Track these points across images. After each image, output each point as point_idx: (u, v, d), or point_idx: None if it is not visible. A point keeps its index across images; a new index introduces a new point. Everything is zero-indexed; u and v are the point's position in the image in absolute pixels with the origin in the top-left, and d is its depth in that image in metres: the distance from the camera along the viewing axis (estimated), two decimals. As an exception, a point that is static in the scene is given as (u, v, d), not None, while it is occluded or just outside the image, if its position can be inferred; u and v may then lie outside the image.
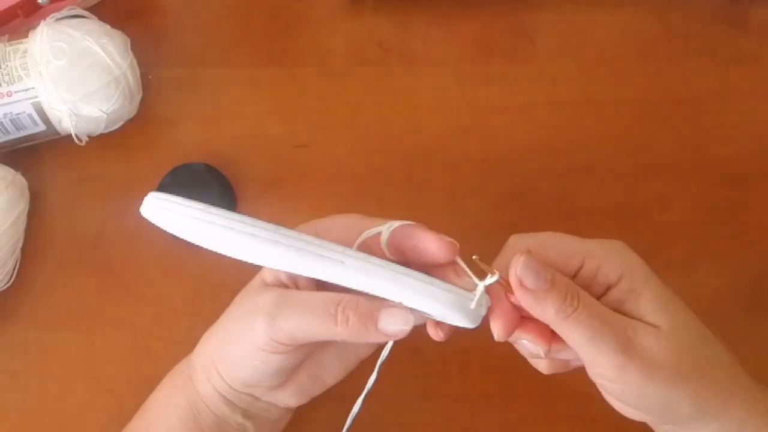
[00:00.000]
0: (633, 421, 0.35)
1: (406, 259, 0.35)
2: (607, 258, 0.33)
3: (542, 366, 0.37)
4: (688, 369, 0.32)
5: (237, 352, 0.36)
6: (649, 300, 0.32)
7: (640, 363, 0.31)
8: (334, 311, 0.33)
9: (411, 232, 0.34)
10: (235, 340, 0.36)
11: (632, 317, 0.32)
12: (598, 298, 0.33)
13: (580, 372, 0.35)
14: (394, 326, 0.33)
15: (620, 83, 0.56)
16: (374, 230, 0.34)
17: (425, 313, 0.33)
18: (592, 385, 0.35)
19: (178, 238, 0.35)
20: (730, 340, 0.48)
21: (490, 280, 0.32)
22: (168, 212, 0.35)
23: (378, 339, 0.33)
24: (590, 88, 0.56)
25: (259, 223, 0.33)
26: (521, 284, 0.31)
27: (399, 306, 0.33)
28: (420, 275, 0.33)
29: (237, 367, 0.36)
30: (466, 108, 0.55)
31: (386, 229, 0.34)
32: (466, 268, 0.34)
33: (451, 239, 0.34)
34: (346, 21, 0.58)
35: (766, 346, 0.49)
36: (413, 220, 0.51)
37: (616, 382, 0.32)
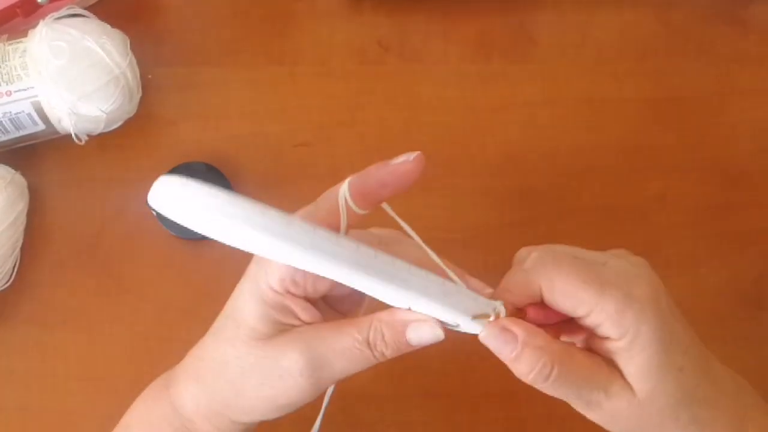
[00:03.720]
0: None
1: (376, 201, 0.33)
2: (615, 318, 0.31)
3: None
4: (647, 428, 0.33)
5: (268, 407, 0.34)
6: (637, 366, 0.32)
7: (600, 416, 0.33)
8: (370, 351, 0.33)
9: (370, 174, 0.33)
10: (263, 401, 0.34)
11: (620, 369, 0.33)
12: (597, 339, 0.33)
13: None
14: (426, 337, 0.32)
15: (620, 83, 0.56)
16: (335, 192, 0.33)
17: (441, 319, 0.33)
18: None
19: (185, 231, 0.33)
20: (730, 340, 0.48)
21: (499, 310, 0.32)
22: (196, 207, 0.29)
23: (411, 350, 0.33)
24: (590, 88, 0.56)
25: (320, 232, 0.30)
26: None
27: (420, 319, 0.33)
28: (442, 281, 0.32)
29: (259, 411, 0.35)
30: (466, 108, 0.55)
31: (345, 186, 0.32)
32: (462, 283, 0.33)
33: (407, 156, 0.33)
34: (345, 20, 0.58)
35: (766, 346, 0.49)
36: (413, 220, 0.51)
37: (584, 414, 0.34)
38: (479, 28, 0.57)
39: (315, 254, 0.30)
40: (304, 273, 0.32)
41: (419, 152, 0.32)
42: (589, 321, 0.32)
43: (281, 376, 0.33)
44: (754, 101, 0.55)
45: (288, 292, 0.33)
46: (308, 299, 0.34)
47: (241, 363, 0.34)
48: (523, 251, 0.35)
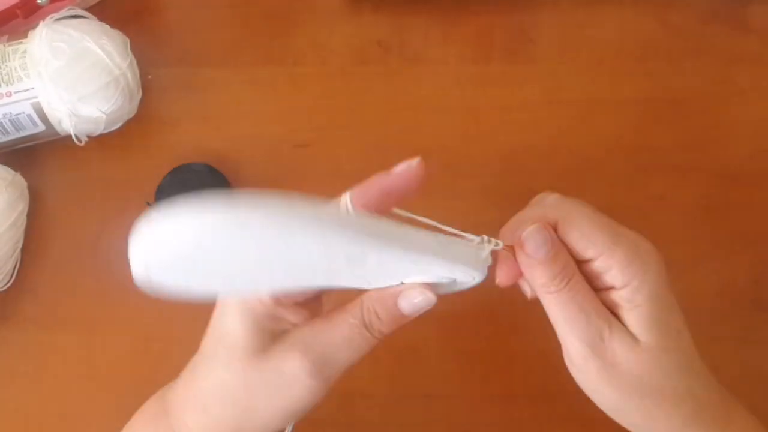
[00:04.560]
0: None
1: (378, 212, 0.33)
2: (624, 264, 0.32)
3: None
4: (646, 390, 0.32)
5: (283, 416, 0.34)
6: (641, 315, 0.32)
7: (601, 363, 0.32)
8: (369, 333, 0.33)
9: (372, 183, 0.33)
10: (272, 411, 0.34)
11: (621, 321, 0.33)
12: (598, 291, 0.33)
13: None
14: (417, 303, 0.32)
15: (620, 83, 0.56)
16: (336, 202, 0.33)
17: (432, 279, 0.33)
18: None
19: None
20: (730, 340, 0.48)
21: (491, 245, 0.33)
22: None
23: (409, 320, 0.33)
24: (590, 88, 0.56)
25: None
26: (522, 246, 0.33)
27: (407, 287, 0.33)
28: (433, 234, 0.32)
29: (275, 423, 0.35)
30: (466, 108, 0.55)
31: (347, 196, 0.32)
32: (464, 234, 0.33)
33: (407, 163, 0.33)
34: (345, 21, 0.58)
35: (766, 347, 0.48)
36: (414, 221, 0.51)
37: (577, 369, 0.33)
38: (479, 29, 0.57)
39: (320, 224, 0.29)
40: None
41: (419, 159, 0.33)
42: (597, 264, 0.32)
43: (289, 383, 0.33)
44: (754, 101, 0.55)
45: (277, 300, 0.33)
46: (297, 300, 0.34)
47: (246, 383, 0.33)
48: (542, 194, 0.36)
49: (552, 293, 0.32)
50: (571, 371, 0.34)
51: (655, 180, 0.53)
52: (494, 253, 0.33)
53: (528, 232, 0.32)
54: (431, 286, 0.33)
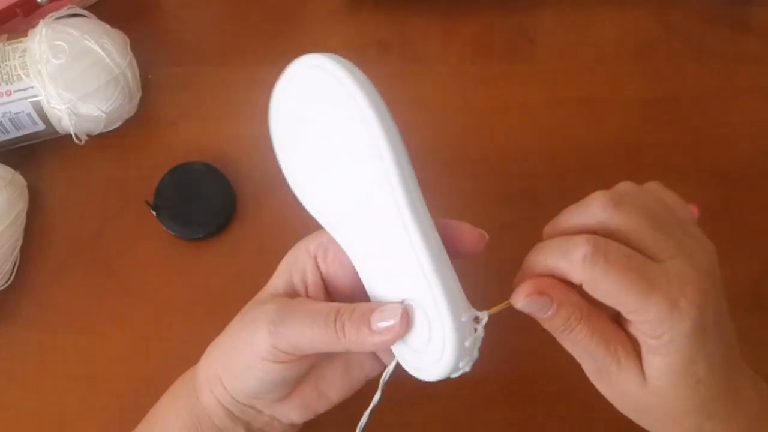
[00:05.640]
0: (631, 423, 0.35)
1: None
2: (655, 324, 0.31)
3: None
4: (656, 419, 0.34)
5: (240, 362, 0.36)
6: (661, 364, 0.32)
7: (609, 388, 0.34)
8: (333, 319, 0.33)
9: (444, 222, 0.35)
10: (238, 350, 0.36)
11: (641, 356, 0.33)
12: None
13: (580, 373, 0.35)
14: (383, 322, 0.33)
15: (620, 83, 0.56)
16: None
17: (423, 304, 0.33)
18: (591, 386, 0.35)
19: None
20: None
21: (482, 321, 0.33)
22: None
23: (373, 341, 0.33)
24: (590, 88, 0.56)
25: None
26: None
27: (388, 305, 0.33)
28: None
29: (240, 378, 0.36)
30: (466, 108, 0.55)
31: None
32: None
33: (481, 230, 0.35)
34: (345, 20, 0.58)
35: (766, 347, 0.48)
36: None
37: (591, 379, 0.35)
38: (479, 29, 0.57)
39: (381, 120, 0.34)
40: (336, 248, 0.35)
41: (484, 233, 0.35)
42: (629, 317, 0.32)
43: (254, 321, 0.35)
44: (754, 101, 0.55)
45: (315, 258, 0.36)
46: (328, 286, 0.37)
47: (244, 310, 0.37)
48: (576, 237, 0.33)
49: (558, 334, 0.34)
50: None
51: (655, 180, 0.53)
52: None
53: (521, 306, 0.33)
54: (408, 319, 0.33)
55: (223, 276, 0.50)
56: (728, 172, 0.53)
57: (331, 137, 0.34)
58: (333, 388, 0.38)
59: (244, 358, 0.35)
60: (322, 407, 0.38)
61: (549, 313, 0.32)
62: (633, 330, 0.33)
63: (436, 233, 0.33)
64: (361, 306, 0.34)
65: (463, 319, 0.32)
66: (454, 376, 0.33)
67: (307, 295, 0.36)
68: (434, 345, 0.32)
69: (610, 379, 0.33)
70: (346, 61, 0.35)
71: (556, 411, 0.48)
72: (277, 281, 0.37)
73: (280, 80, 0.36)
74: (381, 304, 0.34)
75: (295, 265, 0.37)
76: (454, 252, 0.34)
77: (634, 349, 0.33)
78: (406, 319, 0.33)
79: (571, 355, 0.34)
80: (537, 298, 0.32)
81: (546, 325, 0.34)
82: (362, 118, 0.33)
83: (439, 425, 0.48)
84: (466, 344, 0.32)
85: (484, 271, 0.35)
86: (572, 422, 0.47)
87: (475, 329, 0.32)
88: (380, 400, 0.36)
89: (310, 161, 0.36)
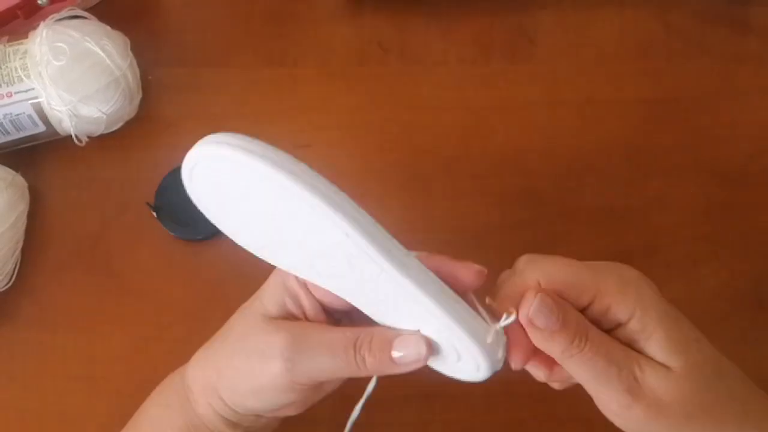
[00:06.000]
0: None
1: None
2: (619, 296, 0.32)
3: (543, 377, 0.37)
4: (695, 410, 0.32)
5: (247, 388, 0.35)
6: (660, 341, 0.32)
7: (645, 404, 0.31)
8: (353, 352, 0.33)
9: (437, 260, 0.33)
10: (244, 377, 0.35)
11: (644, 354, 0.32)
12: (609, 332, 0.33)
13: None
14: (406, 354, 0.33)
15: (620, 83, 0.56)
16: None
17: (439, 338, 0.33)
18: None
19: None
20: (730, 340, 0.48)
21: (506, 320, 0.32)
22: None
23: (396, 371, 0.33)
24: (590, 88, 0.56)
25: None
26: (531, 323, 0.32)
27: (407, 333, 0.33)
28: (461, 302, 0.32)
29: (246, 399, 0.36)
30: (466, 108, 0.55)
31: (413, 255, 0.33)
32: (480, 308, 0.33)
33: (480, 267, 0.33)
34: (345, 21, 0.58)
35: (766, 347, 0.48)
36: (413, 220, 0.51)
37: (621, 418, 0.32)
38: (479, 29, 0.57)
39: (364, 231, 0.30)
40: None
41: (485, 271, 0.33)
42: (596, 308, 0.32)
43: (264, 352, 0.34)
44: (754, 101, 0.55)
45: (305, 286, 0.35)
46: (324, 306, 0.35)
47: (241, 331, 0.36)
48: (506, 272, 0.35)
49: (575, 356, 0.32)
50: (610, 419, 0.33)
51: (655, 180, 0.53)
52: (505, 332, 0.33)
53: (534, 308, 0.31)
54: (432, 348, 0.32)
55: (223, 277, 0.50)
56: (728, 172, 0.53)
57: (280, 225, 0.32)
58: (330, 382, 0.38)
59: (252, 385, 0.35)
60: (318, 399, 0.38)
61: (561, 316, 0.31)
62: (618, 334, 0.33)
63: (435, 277, 0.32)
64: (379, 334, 0.33)
65: (489, 341, 0.32)
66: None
67: (307, 319, 0.36)
68: (466, 364, 0.33)
69: (640, 391, 0.31)
70: (256, 144, 0.31)
71: (556, 411, 0.47)
72: (269, 306, 0.35)
73: (187, 168, 0.33)
74: (398, 333, 0.33)
75: (287, 291, 0.35)
76: (452, 287, 0.33)
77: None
78: (430, 350, 0.33)
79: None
80: (545, 299, 0.31)
81: (562, 343, 0.31)
82: (310, 207, 0.30)
83: (439, 425, 0.48)
84: (498, 356, 0.32)
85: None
86: (572, 422, 0.47)
87: (500, 335, 0.32)
88: (359, 417, 0.36)
89: (266, 240, 0.33)
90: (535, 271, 0.33)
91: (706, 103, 0.55)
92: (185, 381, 0.38)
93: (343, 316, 0.37)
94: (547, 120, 0.55)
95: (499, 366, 0.33)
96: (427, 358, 0.33)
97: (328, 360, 0.33)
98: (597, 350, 0.31)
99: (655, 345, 0.32)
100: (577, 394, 0.35)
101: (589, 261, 0.34)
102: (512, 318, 0.32)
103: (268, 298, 0.36)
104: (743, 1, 0.58)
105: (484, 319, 0.33)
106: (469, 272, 0.33)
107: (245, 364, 0.35)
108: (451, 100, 0.55)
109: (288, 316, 0.35)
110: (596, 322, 0.33)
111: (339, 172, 0.53)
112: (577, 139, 0.54)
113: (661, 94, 0.55)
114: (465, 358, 0.32)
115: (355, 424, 0.37)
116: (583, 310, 0.33)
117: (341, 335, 0.33)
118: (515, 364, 0.34)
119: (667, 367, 0.32)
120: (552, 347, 0.32)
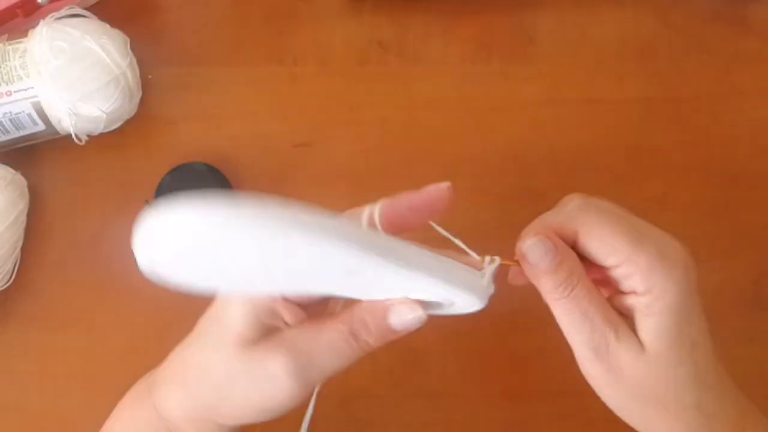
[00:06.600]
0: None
1: (400, 227, 0.33)
2: (645, 273, 0.32)
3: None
4: (650, 397, 0.33)
5: (255, 412, 0.34)
6: (655, 324, 0.32)
7: (605, 367, 0.33)
8: (355, 342, 0.33)
9: (401, 199, 0.33)
10: (252, 405, 0.34)
11: (635, 328, 0.33)
12: (622, 294, 0.33)
13: (580, 372, 0.35)
14: (408, 319, 0.33)
15: (620, 83, 0.56)
16: (362, 211, 0.32)
17: (431, 298, 0.32)
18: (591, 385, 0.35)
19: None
20: (730, 340, 0.48)
21: (494, 264, 0.33)
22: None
23: (398, 336, 0.33)
24: (590, 87, 0.56)
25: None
26: (525, 258, 0.33)
27: (400, 301, 0.33)
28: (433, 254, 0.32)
29: (253, 419, 0.35)
30: (466, 108, 0.55)
31: (376, 207, 0.32)
32: (469, 250, 0.34)
33: (438, 184, 0.34)
34: (345, 21, 0.58)
35: (766, 346, 0.49)
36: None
37: (584, 371, 0.34)
38: (479, 28, 0.57)
39: (320, 233, 0.29)
40: None
41: (449, 183, 0.34)
42: (619, 272, 0.32)
43: (269, 380, 0.33)
44: (754, 101, 0.55)
45: (282, 297, 0.33)
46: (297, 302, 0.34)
47: (227, 368, 0.34)
48: (567, 197, 0.36)
49: (557, 300, 0.33)
50: (581, 370, 0.34)
51: (655, 180, 0.53)
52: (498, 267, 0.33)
53: (528, 245, 0.33)
54: (425, 304, 0.32)
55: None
56: (728, 172, 0.53)
57: (270, 266, 0.30)
58: None
59: (261, 407, 0.34)
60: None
61: (556, 260, 0.32)
62: (622, 304, 0.33)
63: (409, 244, 0.32)
64: (372, 314, 0.33)
65: (483, 284, 0.32)
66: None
67: (287, 324, 0.34)
68: (460, 306, 0.33)
69: (607, 355, 0.32)
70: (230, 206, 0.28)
71: (555, 410, 0.48)
72: (243, 330, 0.33)
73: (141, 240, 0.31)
74: (390, 304, 0.33)
75: (257, 308, 0.33)
76: (415, 222, 0.33)
77: (628, 324, 0.33)
78: (424, 306, 0.32)
79: (566, 342, 0.33)
80: (545, 240, 0.32)
81: (547, 284, 0.32)
82: (310, 245, 0.29)
83: (439, 425, 0.48)
84: (491, 290, 0.33)
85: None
86: (572, 421, 0.47)
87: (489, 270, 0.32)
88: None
89: (245, 281, 0.32)
90: (580, 221, 0.33)
91: (706, 103, 0.55)
92: (164, 416, 0.36)
93: (319, 300, 0.36)
94: (547, 120, 0.55)
95: (492, 291, 0.33)
96: (424, 317, 0.32)
97: (335, 359, 0.33)
98: (578, 303, 0.32)
99: (649, 325, 0.32)
100: (577, 392, 0.35)
101: (643, 223, 0.33)
102: (497, 262, 0.33)
103: (236, 322, 0.33)
104: (743, 1, 0.58)
105: (473, 258, 0.33)
106: (436, 194, 0.34)
107: (253, 395, 0.34)
108: (451, 99, 0.55)
109: (268, 332, 0.34)
110: (617, 281, 0.33)
111: (339, 171, 0.54)
112: (577, 139, 0.54)
113: (661, 93, 0.55)
114: (458, 303, 0.33)
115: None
116: (609, 268, 0.33)
117: (336, 333, 0.33)
118: (512, 281, 0.35)
119: (644, 348, 0.32)
120: (539, 284, 0.33)
